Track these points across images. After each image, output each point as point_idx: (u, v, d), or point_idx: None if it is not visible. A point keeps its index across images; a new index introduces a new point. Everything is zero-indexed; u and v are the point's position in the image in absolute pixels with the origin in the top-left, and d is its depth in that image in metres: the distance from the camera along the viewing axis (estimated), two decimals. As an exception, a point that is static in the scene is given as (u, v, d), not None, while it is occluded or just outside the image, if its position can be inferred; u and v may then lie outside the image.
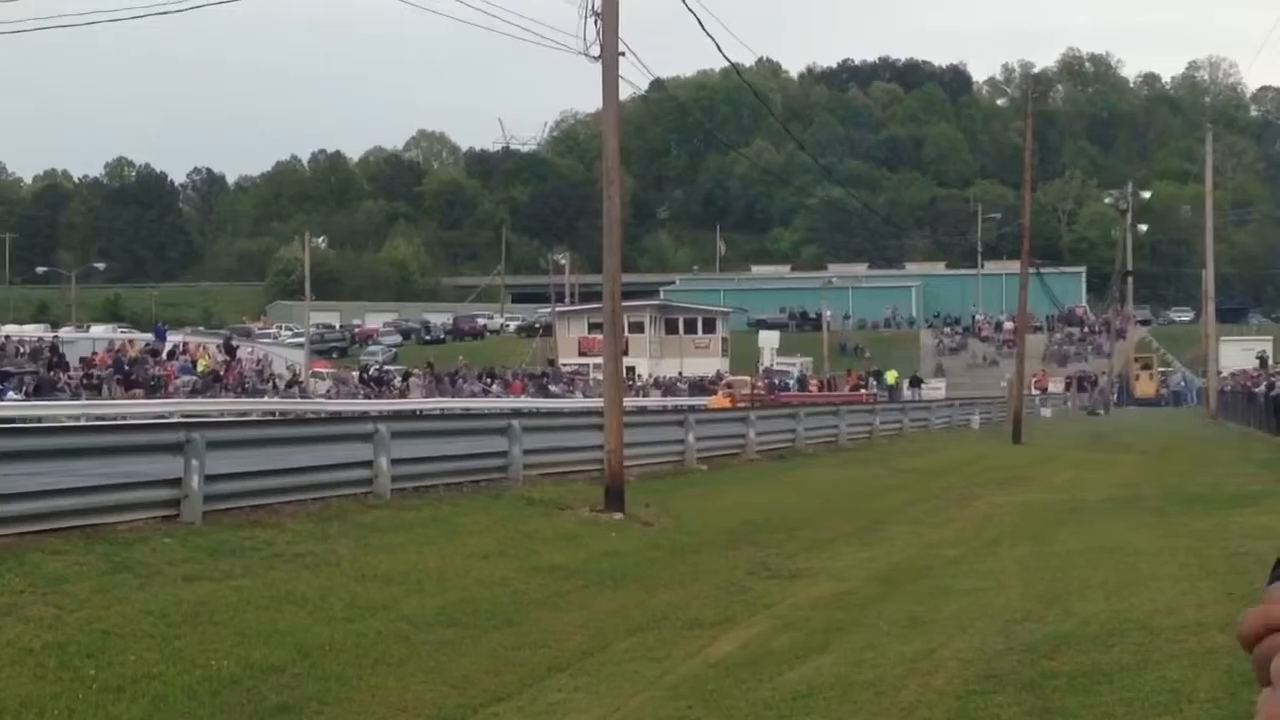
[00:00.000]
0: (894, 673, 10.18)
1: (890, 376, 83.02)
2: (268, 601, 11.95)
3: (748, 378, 79.05)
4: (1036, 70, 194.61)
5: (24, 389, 46.50)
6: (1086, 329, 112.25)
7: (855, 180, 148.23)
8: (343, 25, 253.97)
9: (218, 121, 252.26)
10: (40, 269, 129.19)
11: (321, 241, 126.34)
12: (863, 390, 77.91)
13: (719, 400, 64.96)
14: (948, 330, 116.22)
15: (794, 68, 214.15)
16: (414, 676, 10.22)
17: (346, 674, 10.11)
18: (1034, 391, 76.98)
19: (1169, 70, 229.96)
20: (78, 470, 14.77)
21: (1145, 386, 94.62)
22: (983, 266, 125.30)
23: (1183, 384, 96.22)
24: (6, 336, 62.38)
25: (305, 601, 12.12)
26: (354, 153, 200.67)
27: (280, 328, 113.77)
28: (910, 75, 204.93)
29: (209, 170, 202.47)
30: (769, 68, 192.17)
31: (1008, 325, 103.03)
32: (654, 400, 70.20)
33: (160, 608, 11.26)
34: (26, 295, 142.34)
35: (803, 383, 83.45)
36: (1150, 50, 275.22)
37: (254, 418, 41.39)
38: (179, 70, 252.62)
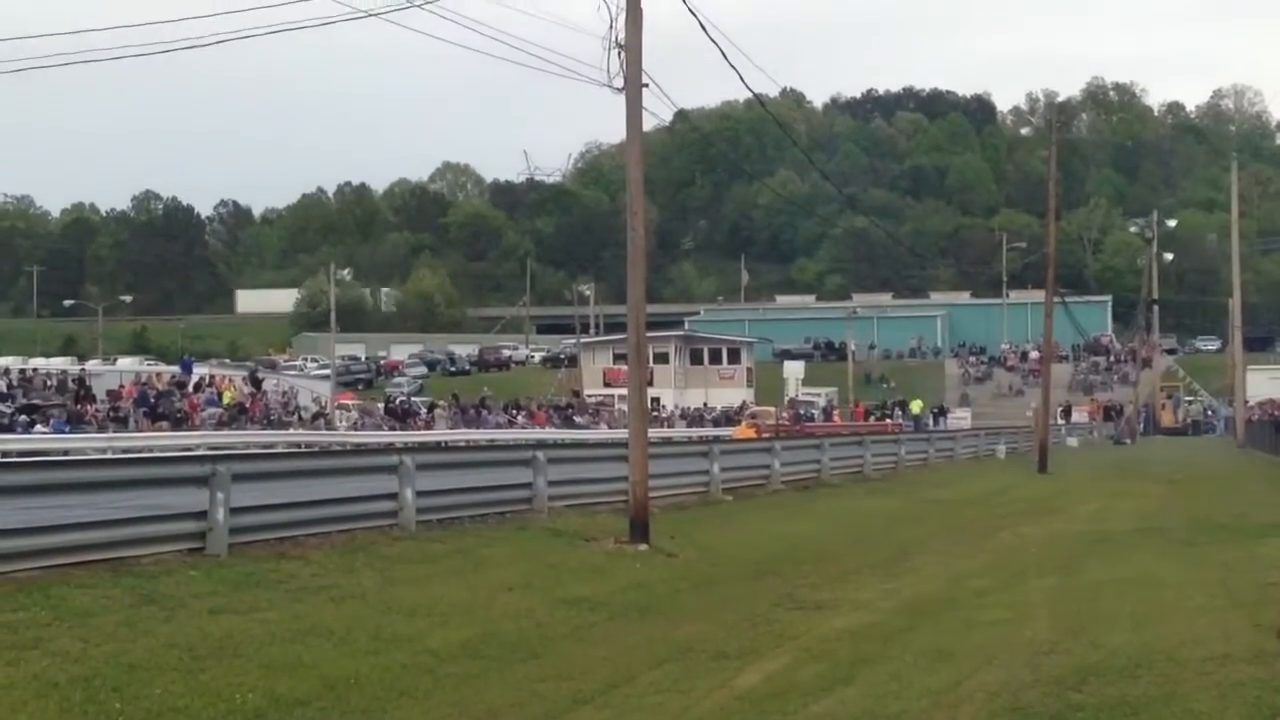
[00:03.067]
0: (920, 705, 10.13)
1: (915, 406, 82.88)
2: (293, 634, 11.95)
3: (772, 408, 78.89)
4: (1060, 99, 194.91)
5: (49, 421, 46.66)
6: (1112, 358, 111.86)
7: (880, 210, 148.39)
8: (367, 58, 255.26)
9: (244, 154, 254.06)
10: (68, 302, 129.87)
11: (347, 274, 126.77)
12: (887, 420, 77.83)
13: (744, 430, 64.83)
14: (973, 360, 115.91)
15: (818, 98, 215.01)
16: (439, 710, 10.20)
17: (371, 707, 10.10)
18: (1059, 421, 76.62)
19: (1194, 99, 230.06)
20: (104, 503, 14.79)
21: (1170, 416, 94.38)
22: (1008, 296, 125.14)
23: (1209, 413, 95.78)
24: (34, 369, 62.60)
25: (330, 634, 12.12)
26: (379, 185, 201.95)
27: (306, 360, 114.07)
28: (934, 105, 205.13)
29: (235, 203, 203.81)
30: (793, 98, 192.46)
31: (1033, 354, 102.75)
32: (679, 431, 70.10)
33: (186, 641, 11.28)
34: (54, 328, 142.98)
35: (828, 413, 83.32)
36: (1175, 79, 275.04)
37: (279, 450, 41.47)
38: (205, 104, 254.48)
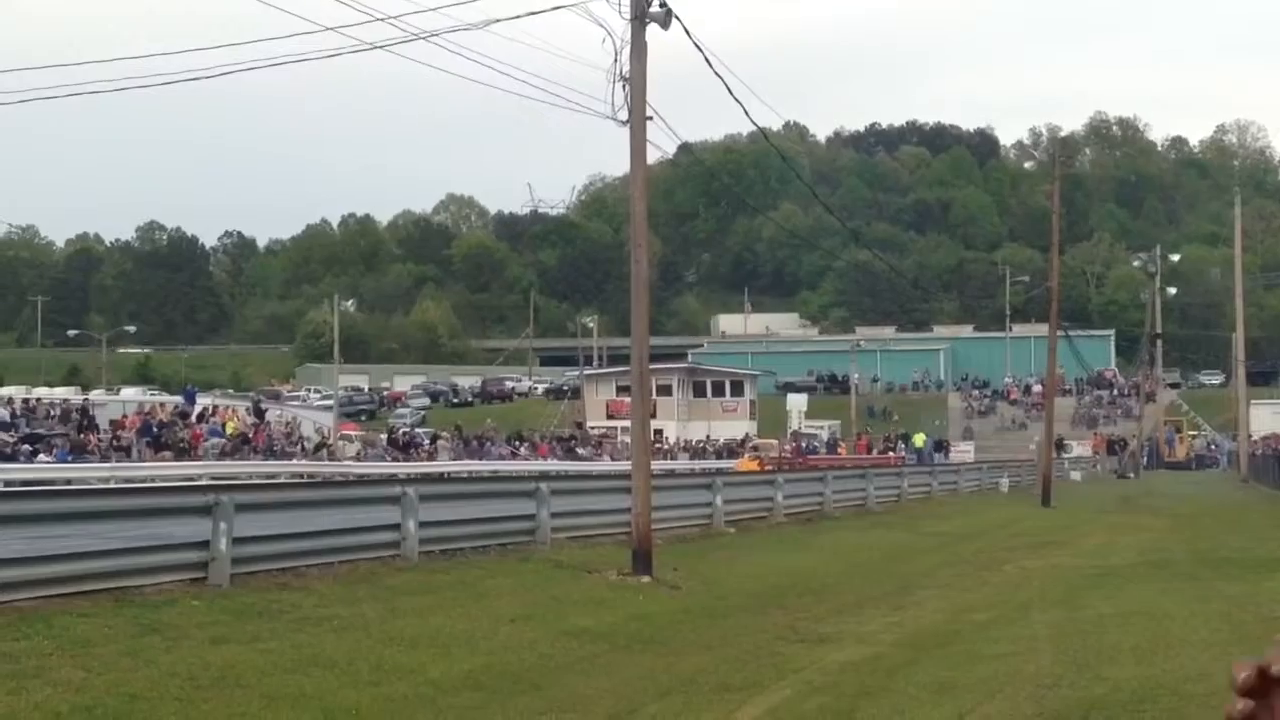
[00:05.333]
0: (923, 738, 10.10)
1: (918, 440, 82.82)
2: (294, 664, 11.94)
3: (775, 441, 78.86)
4: (1064, 134, 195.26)
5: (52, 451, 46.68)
6: (1116, 392, 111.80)
7: (883, 243, 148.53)
8: (371, 90, 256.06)
9: (248, 185, 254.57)
10: (72, 331, 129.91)
11: (351, 305, 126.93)
12: (890, 453, 77.79)
13: (747, 463, 64.75)
14: (976, 393, 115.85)
15: (821, 132, 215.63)
16: (440, 741, 10.18)
17: (373, 738, 10.08)
18: (1056, 456, 76.52)
19: (1197, 134, 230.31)
20: (107, 533, 14.82)
21: (1185, 448, 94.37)
22: (1011, 329, 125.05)
23: (1212, 447, 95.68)
24: (38, 399, 62.65)
25: (332, 665, 12.10)
26: (383, 216, 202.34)
27: (309, 390, 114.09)
28: (937, 139, 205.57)
29: (239, 234, 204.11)
30: (796, 131, 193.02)
31: (1036, 388, 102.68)
32: (682, 463, 70.03)
33: (187, 670, 11.26)
34: (58, 358, 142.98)
35: (832, 446, 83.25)
36: (1178, 114, 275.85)
37: (282, 480, 41.47)
38: (210, 135, 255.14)
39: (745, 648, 14.68)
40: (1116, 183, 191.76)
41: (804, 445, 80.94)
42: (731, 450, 77.92)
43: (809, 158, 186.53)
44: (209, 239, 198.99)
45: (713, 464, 66.97)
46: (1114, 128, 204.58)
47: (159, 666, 11.34)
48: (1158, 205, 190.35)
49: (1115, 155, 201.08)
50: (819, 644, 15.01)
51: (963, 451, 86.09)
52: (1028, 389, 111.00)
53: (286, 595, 15.11)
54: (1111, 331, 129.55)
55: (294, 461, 53.43)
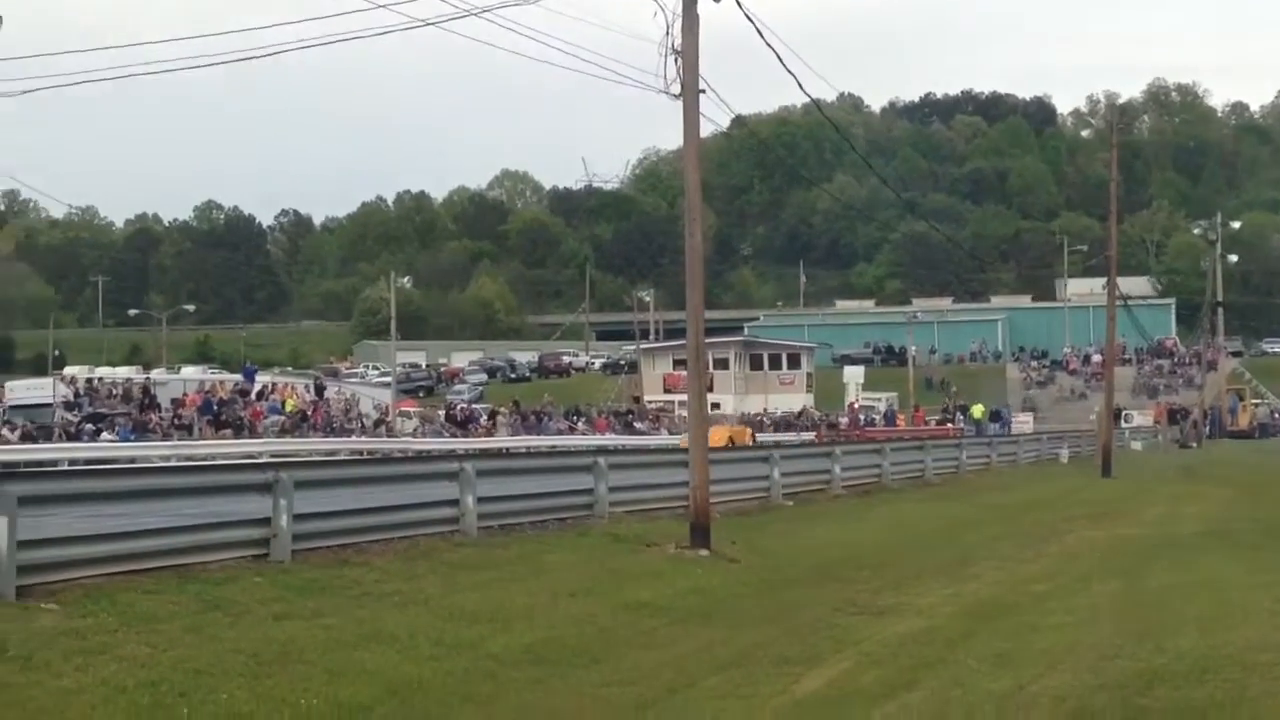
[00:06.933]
0: (983, 710, 10.08)
1: (976, 411, 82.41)
2: (356, 639, 12.02)
3: (747, 428, 67.63)
4: (1122, 101, 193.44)
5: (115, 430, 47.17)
6: (1176, 361, 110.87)
7: (939, 214, 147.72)
8: (424, 67, 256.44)
9: (304, 164, 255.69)
10: (132, 311, 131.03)
11: (407, 281, 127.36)
12: (948, 425, 77.46)
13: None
14: (1034, 364, 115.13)
15: (876, 102, 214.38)
16: (501, 714, 10.22)
17: (434, 712, 10.13)
18: (1122, 425, 75.92)
19: (1258, 99, 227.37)
20: (169, 510, 14.95)
21: (1248, 417, 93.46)
22: (1069, 299, 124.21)
23: (1276, 415, 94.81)
24: (100, 378, 63.27)
25: (393, 639, 12.17)
26: (438, 193, 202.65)
27: (367, 367, 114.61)
28: (993, 108, 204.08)
29: (296, 212, 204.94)
30: (850, 103, 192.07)
31: (1096, 358, 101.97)
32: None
33: (251, 646, 11.36)
34: (119, 337, 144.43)
35: (890, 417, 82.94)
36: (1239, 80, 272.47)
37: (341, 457, 41.76)
38: (265, 114, 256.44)
39: (804, 620, 14.66)
40: (1176, 149, 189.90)
41: (862, 418, 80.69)
42: (789, 423, 77.78)
43: (864, 129, 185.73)
44: (266, 217, 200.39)
45: (769, 437, 66.78)
46: (1173, 94, 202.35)
47: (223, 642, 11.44)
48: (1218, 172, 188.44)
49: (1174, 122, 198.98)
50: (878, 616, 14.98)
51: (1021, 422, 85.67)
52: (1087, 359, 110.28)
53: (347, 571, 15.21)
54: (1172, 300, 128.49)
55: (353, 438, 53.76)
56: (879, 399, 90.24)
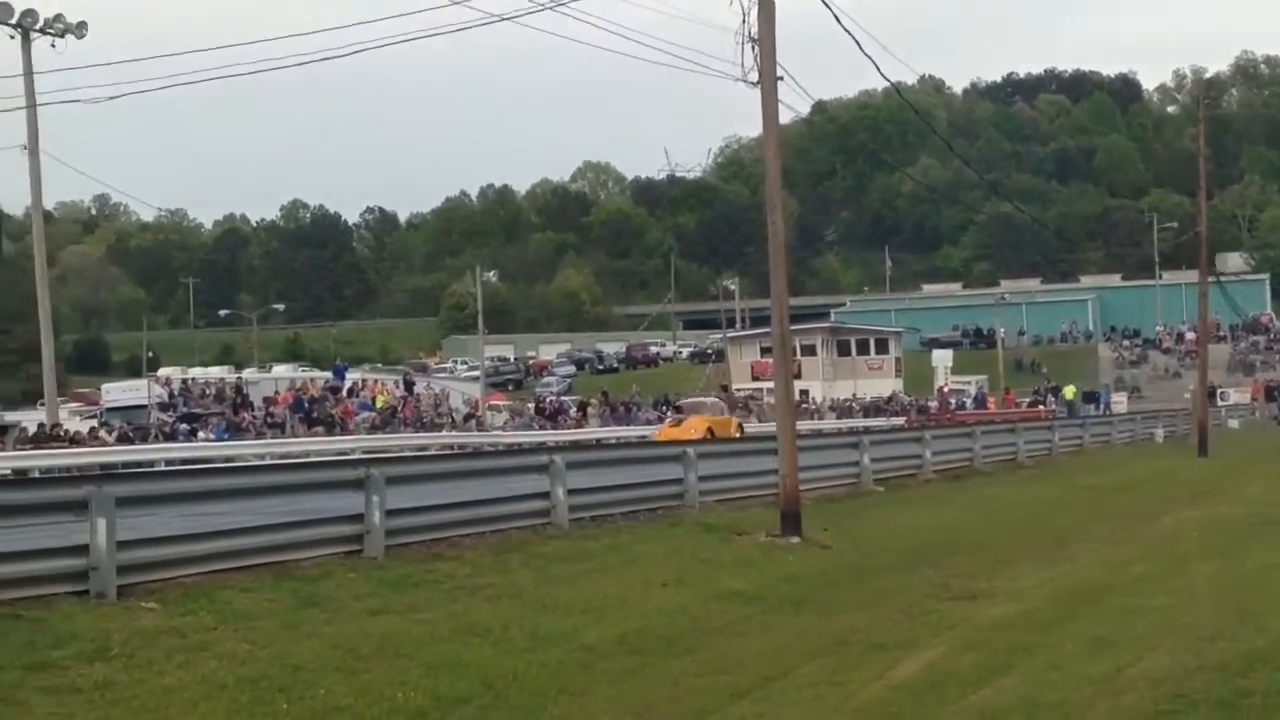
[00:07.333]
0: (1081, 694, 10.00)
1: (1069, 392, 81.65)
2: (451, 633, 12.11)
3: (715, 398, 61.44)
4: (1209, 75, 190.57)
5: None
6: (1272, 337, 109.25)
7: (1024, 194, 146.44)
8: (502, 61, 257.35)
9: (387, 160, 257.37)
10: (223, 311, 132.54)
11: (493, 275, 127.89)
12: (1040, 406, 76.77)
13: (670, 431, 47.77)
14: (1126, 343, 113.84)
15: (958, 84, 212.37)
16: (597, 705, 10.26)
17: (531, 704, 10.19)
18: (1219, 403, 74.96)
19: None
20: (264, 508, 15.13)
21: None
22: (1160, 277, 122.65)
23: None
24: (194, 379, 64.13)
25: (488, 633, 12.25)
26: (521, 186, 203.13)
27: (456, 362, 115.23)
28: (1077, 86, 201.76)
29: (381, 209, 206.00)
30: (932, 84, 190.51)
31: (1189, 336, 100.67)
32: (829, 423, 69.68)
33: (347, 641, 11.49)
34: (211, 338, 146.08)
35: (980, 400, 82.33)
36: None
37: (432, 452, 42.02)
38: (347, 112, 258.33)
39: (897, 606, 14.61)
40: (1266, 123, 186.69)
41: (951, 402, 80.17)
42: (878, 408, 77.42)
43: (946, 111, 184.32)
44: (351, 215, 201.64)
45: (859, 423, 66.51)
46: (1261, 66, 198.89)
47: (320, 638, 11.58)
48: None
49: (1264, 95, 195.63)
50: (972, 601, 14.89)
51: (1115, 402, 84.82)
52: (1180, 337, 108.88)
53: (440, 565, 15.32)
54: (1266, 275, 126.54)
55: (443, 433, 54.08)
56: (968, 382, 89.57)
